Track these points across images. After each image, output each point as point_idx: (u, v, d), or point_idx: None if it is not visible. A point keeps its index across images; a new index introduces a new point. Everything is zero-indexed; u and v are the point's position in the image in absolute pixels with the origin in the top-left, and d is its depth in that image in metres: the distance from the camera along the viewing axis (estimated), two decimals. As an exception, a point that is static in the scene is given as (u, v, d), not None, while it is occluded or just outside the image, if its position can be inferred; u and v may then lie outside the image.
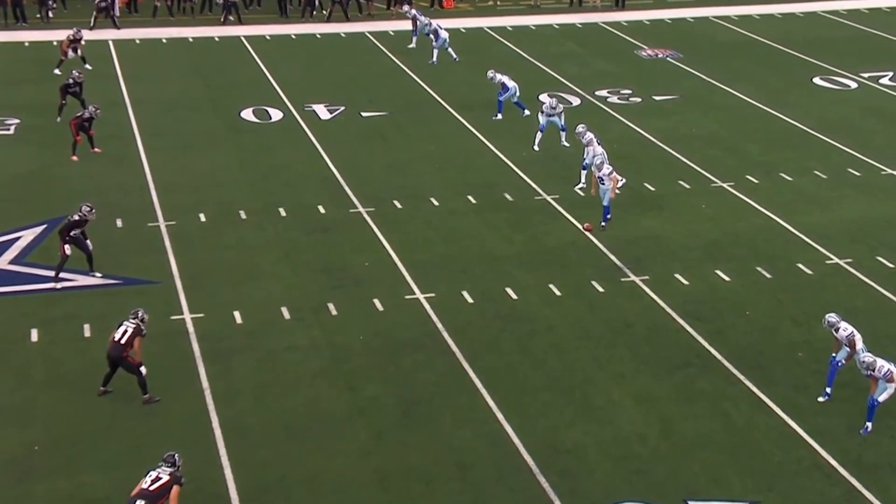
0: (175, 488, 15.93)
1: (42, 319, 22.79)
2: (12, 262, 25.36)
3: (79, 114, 31.37)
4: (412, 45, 43.44)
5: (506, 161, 31.49)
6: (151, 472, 16.04)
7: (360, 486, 17.91)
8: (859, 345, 19.73)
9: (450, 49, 41.49)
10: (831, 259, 26.03)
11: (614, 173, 26.94)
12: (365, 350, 21.95)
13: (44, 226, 26.98)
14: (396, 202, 28.77)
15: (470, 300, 23.90)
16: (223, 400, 20.10)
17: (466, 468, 18.40)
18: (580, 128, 29.23)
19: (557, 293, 24.28)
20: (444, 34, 41.57)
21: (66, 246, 23.80)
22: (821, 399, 20.24)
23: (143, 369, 19.68)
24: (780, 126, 35.34)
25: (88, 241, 24.14)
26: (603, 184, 26.78)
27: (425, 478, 18.12)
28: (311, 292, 24.12)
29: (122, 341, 19.62)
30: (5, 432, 19.15)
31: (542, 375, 21.17)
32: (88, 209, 24.17)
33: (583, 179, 29.07)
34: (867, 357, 19.09)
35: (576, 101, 37.64)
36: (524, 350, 22.05)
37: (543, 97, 35.06)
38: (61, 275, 24.08)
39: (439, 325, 22.84)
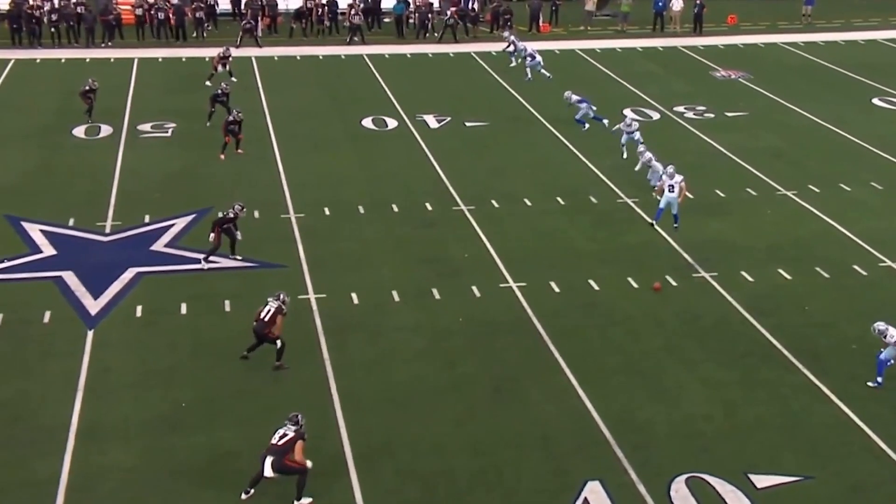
0: (299, 443, 16.15)
1: (190, 295, 23.13)
2: (167, 245, 25.79)
3: (227, 118, 31.79)
4: (513, 65, 43.17)
5: (592, 168, 31.18)
6: (279, 430, 16.26)
7: (455, 451, 17.86)
8: None
9: (542, 70, 41.16)
10: (884, 262, 25.31)
11: (684, 182, 26.47)
12: (462, 331, 21.88)
13: (193, 215, 27.38)
14: (494, 202, 28.63)
15: (556, 290, 23.68)
16: (340, 371, 20.20)
17: (549, 439, 18.24)
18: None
19: (634, 286, 23.94)
20: (538, 57, 41.30)
21: (219, 235, 24.24)
22: (870, 384, 19.68)
23: (279, 342, 19.99)
24: (839, 141, 34.50)
25: (238, 233, 24.56)
26: (672, 191, 26.30)
27: (513, 446, 18.00)
28: (418, 279, 24.11)
29: (266, 319, 19.92)
30: (156, 392, 19.49)
31: (619, 359, 20.90)
32: (240, 208, 24.59)
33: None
34: None
35: (656, 116, 37.16)
36: (603, 336, 21.78)
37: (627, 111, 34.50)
38: (217, 258, 24.54)
39: (529, 312, 22.67)
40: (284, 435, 16.32)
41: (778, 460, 17.75)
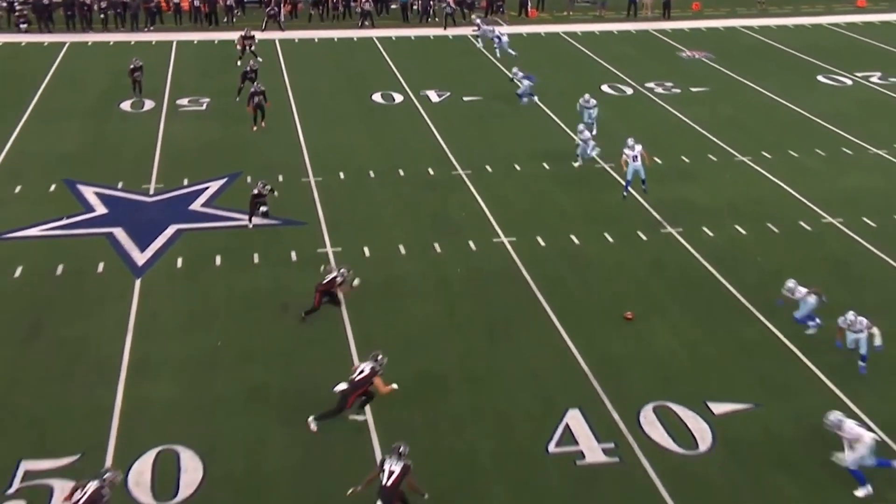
0: (377, 378, 16.13)
1: (223, 249, 23.09)
2: (203, 204, 25.70)
3: (251, 90, 31.51)
4: (479, 46, 42.91)
5: (574, 137, 30.92)
6: (362, 365, 16.45)
7: (456, 383, 17.95)
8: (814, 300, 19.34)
9: (509, 49, 40.98)
10: (826, 219, 25.22)
11: (644, 151, 26.28)
12: (461, 280, 21.86)
13: (226, 178, 27.26)
14: (488, 167, 28.48)
15: (542, 244, 23.62)
16: (354, 314, 20.19)
17: (536, 373, 18.31)
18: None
19: (610, 240, 23.88)
20: (504, 39, 41.21)
21: (253, 207, 24.20)
22: (809, 331, 19.67)
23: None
24: (789, 113, 34.24)
25: (265, 208, 24.28)
26: (636, 161, 26.08)
27: (507, 380, 18.06)
28: (422, 234, 24.05)
29: (327, 282, 19.70)
30: (196, 334, 19.54)
31: (597, 304, 20.91)
32: (262, 185, 24.39)
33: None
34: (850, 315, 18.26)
35: (629, 91, 36.82)
36: (583, 284, 21.77)
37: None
38: (237, 216, 24.47)
39: (518, 263, 22.64)
40: (362, 371, 16.33)
41: (732, 390, 17.82)
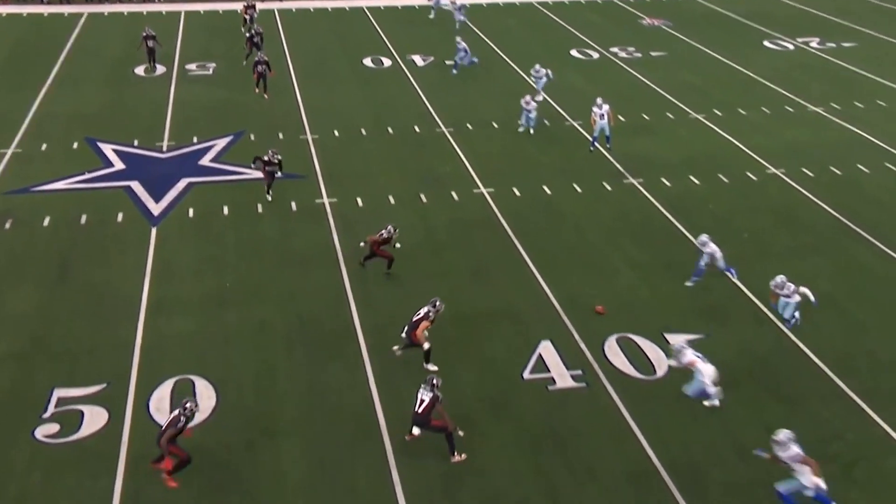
0: (423, 323, 16.05)
1: (230, 200, 22.95)
2: (212, 160, 25.47)
3: (255, 58, 31.05)
4: (431, 17, 42.08)
5: (546, 97, 30.76)
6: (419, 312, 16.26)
7: (443, 321, 17.86)
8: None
9: (466, 20, 40.19)
10: (770, 170, 25.29)
11: (610, 110, 26.13)
12: (445, 228, 21.85)
13: (231, 136, 27.00)
14: (469, 125, 28.30)
15: (518, 194, 23.60)
16: (350, 259, 20.19)
17: (514, 311, 18.41)
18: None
19: (579, 190, 23.88)
20: (461, 15, 40.29)
21: (265, 172, 22.87)
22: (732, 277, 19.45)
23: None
24: (738, 75, 34.08)
25: (279, 174, 23.14)
26: (602, 119, 25.93)
27: (488, 318, 18.15)
28: (409, 187, 23.96)
29: (379, 237, 19.23)
30: (207, 276, 19.50)
31: (567, 248, 20.97)
32: (273, 153, 22.88)
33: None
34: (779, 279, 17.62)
35: (595, 56, 36.51)
36: (555, 230, 21.81)
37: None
38: (242, 170, 24.18)
39: (497, 212, 22.63)
40: (416, 315, 16.10)
41: (686, 323, 18.02)
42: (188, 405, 13.52)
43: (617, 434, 14.88)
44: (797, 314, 17.61)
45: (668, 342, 17.30)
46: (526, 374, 16.39)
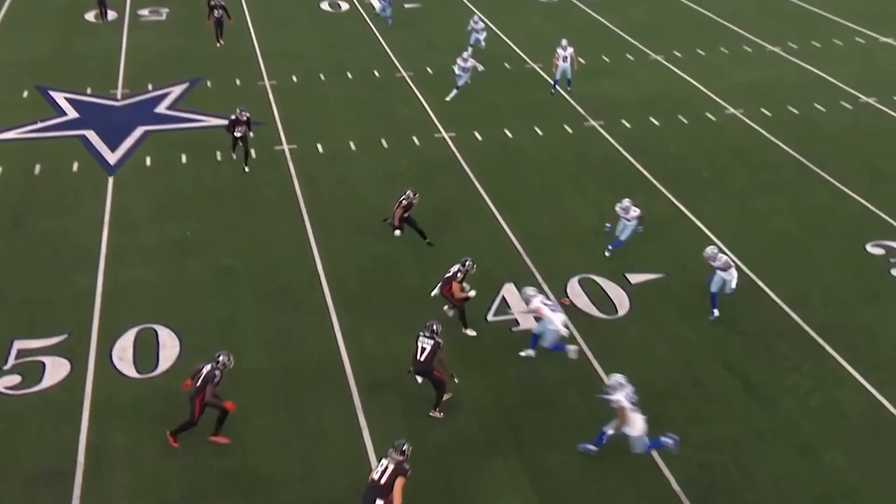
0: (452, 284, 15.44)
1: (188, 148, 22.57)
2: (168, 108, 24.98)
3: (212, 3, 30.23)
4: None
5: (505, 39, 30.48)
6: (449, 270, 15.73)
7: (407, 266, 18.02)
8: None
9: None
10: (729, 110, 25.41)
11: (574, 53, 25.93)
12: (408, 171, 21.72)
13: (187, 83, 26.44)
14: (428, 69, 27.99)
15: (479, 138, 23.48)
16: (312, 205, 20.03)
17: (479, 256, 18.31)
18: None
19: (540, 133, 23.82)
20: None
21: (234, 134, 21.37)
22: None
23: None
24: (697, 16, 34.01)
25: (251, 133, 21.55)
26: (565, 62, 25.75)
27: (449, 260, 17.98)
28: (370, 131, 23.72)
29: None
30: (168, 225, 19.25)
31: (529, 190, 20.98)
32: (240, 111, 21.25)
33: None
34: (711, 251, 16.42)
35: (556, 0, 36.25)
36: (516, 172, 21.79)
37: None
38: (200, 117, 23.69)
39: (458, 156, 22.52)
40: (448, 271, 15.62)
41: (646, 262, 18.18)
42: (221, 358, 13.09)
43: (579, 373, 15.06)
44: (734, 284, 16.16)
45: (629, 282, 17.48)
46: (490, 317, 16.47)
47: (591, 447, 13.15)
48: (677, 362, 15.36)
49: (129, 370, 14.93)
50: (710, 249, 16.34)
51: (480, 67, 25.04)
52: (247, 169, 21.23)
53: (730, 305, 16.73)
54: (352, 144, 22.96)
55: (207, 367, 13.15)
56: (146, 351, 15.37)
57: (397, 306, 16.68)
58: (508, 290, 17.17)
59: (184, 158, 22.03)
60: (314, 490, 12.64)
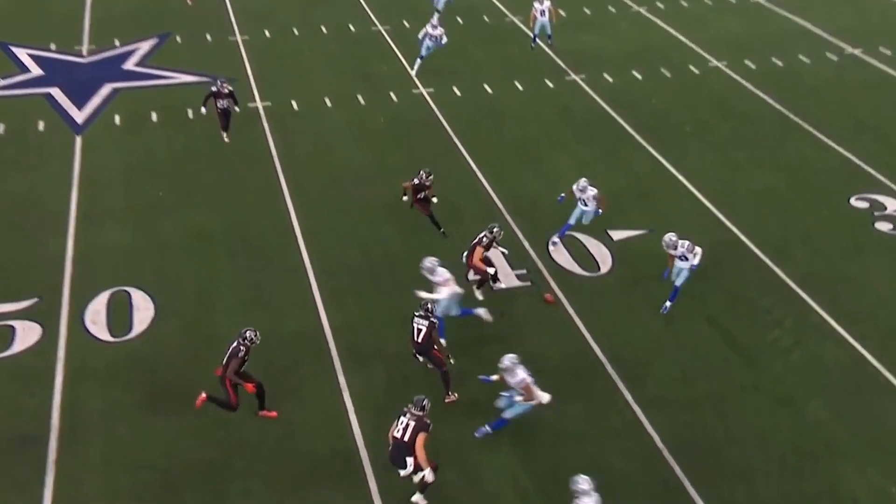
0: (477, 249, 15.07)
1: (158, 106, 22.30)
2: (137, 64, 24.59)
3: None
4: None
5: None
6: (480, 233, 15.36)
7: (383, 221, 17.96)
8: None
9: None
10: (712, 62, 25.35)
11: (552, 7, 25.68)
12: (385, 128, 21.58)
13: (156, 39, 26.02)
14: (405, 22, 27.68)
15: (458, 94, 23.33)
16: (287, 163, 19.89)
17: (459, 210, 18.41)
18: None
19: (520, 88, 23.69)
20: None
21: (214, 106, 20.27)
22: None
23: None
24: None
25: (234, 108, 20.32)
26: (543, 15, 25.46)
27: (429, 220, 18.09)
28: (346, 87, 23.50)
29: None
30: (139, 185, 19.09)
31: (509, 146, 20.92)
32: (221, 83, 19.95)
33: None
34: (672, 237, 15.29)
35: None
36: (497, 128, 21.70)
37: None
38: (170, 74, 23.36)
39: (437, 112, 22.38)
40: (475, 237, 15.25)
41: (628, 218, 18.21)
42: (248, 334, 12.78)
43: (562, 330, 15.15)
44: (695, 264, 15.13)
45: (611, 239, 17.54)
46: (470, 275, 16.48)
47: (489, 429, 12.85)
48: (660, 319, 15.48)
49: (103, 333, 14.87)
50: (669, 237, 15.16)
51: (444, 39, 24.40)
52: (227, 138, 20.40)
53: (713, 261, 16.83)
54: (327, 101, 22.75)
55: (234, 342, 12.78)
56: (120, 314, 15.30)
57: (375, 264, 16.68)
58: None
59: (154, 117, 21.76)
60: (293, 451, 12.70)
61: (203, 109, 20.24)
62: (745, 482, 12.32)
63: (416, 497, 11.88)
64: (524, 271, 16.62)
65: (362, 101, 22.78)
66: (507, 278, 16.36)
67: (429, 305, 13.50)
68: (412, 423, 11.44)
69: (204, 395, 12.83)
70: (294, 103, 22.55)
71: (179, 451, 12.68)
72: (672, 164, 20.08)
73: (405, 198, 17.72)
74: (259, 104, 22.48)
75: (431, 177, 17.16)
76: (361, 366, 14.28)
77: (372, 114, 22.19)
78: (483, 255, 15.29)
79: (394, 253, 16.95)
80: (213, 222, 17.75)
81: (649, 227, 17.92)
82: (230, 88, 20.19)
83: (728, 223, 18.02)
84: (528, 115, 22.37)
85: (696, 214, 18.42)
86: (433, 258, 14.57)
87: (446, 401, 13.61)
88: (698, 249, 15.11)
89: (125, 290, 15.82)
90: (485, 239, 15.35)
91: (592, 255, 17.08)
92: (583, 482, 10.80)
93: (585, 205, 16.75)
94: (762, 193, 19.05)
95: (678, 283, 15.29)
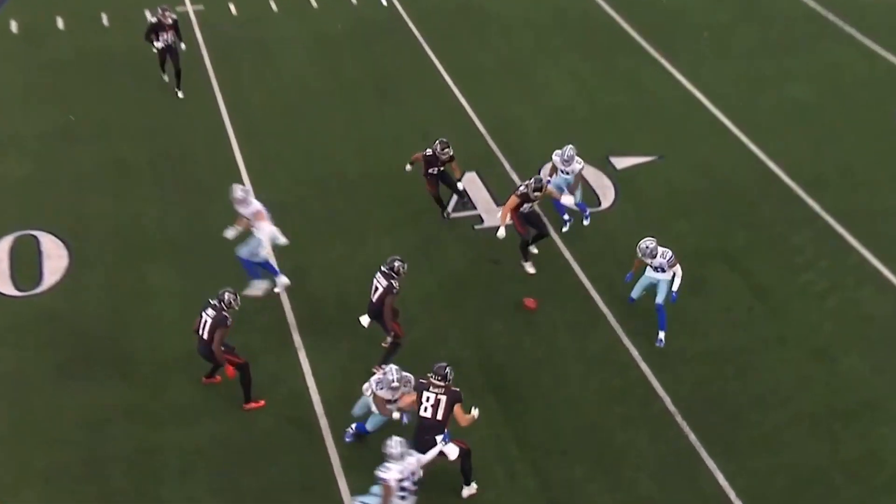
0: (513, 198, 14.59)
1: (65, 9, 21.99)
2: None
3: None
4: None
5: None
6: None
7: (344, 156, 17.85)
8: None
9: None
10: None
11: None
12: (344, 38, 21.33)
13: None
14: None
15: (431, -6, 23.10)
16: (224, 77, 19.68)
17: (430, 135, 18.20)
18: None
19: (505, -12, 23.48)
20: None
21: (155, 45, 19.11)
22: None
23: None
24: None
25: (182, 44, 19.49)
26: None
27: (399, 143, 18.04)
28: (296, -13, 23.18)
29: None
30: (45, 107, 18.88)
31: (492, 57, 20.78)
32: (163, 11, 18.65)
33: None
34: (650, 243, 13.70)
35: None
36: (477, 35, 21.52)
37: None
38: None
39: (405, 16, 22.12)
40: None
41: (634, 143, 18.20)
42: (227, 297, 12.41)
43: (557, 278, 15.17)
44: (675, 290, 13.66)
45: (615, 167, 17.52)
46: (450, 209, 16.47)
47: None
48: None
49: (6, 286, 14.76)
50: (646, 243, 13.58)
51: None
52: (180, 94, 19.27)
53: (734, 191, 16.89)
54: (272, 4, 22.43)
55: (211, 312, 12.41)
56: (26, 262, 15.17)
57: (329, 197, 16.64)
58: (470, 180, 17.16)
59: (60, 23, 21.40)
60: (242, 421, 12.70)
61: (155, 47, 18.83)
62: (770, 449, 12.49)
63: (467, 490, 11.65)
64: (511, 207, 16.52)
65: (315, 4, 22.49)
66: (491, 216, 16.32)
67: (396, 263, 13.05)
68: (442, 398, 11.07)
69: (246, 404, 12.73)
70: (232, 6, 22.26)
71: (105, 424, 12.66)
72: (685, 77, 20.03)
73: (409, 167, 16.22)
74: (189, 7, 22.17)
75: (449, 150, 15.70)
76: (317, 317, 14.28)
77: (327, 19, 21.94)
78: (518, 206, 14.70)
79: (354, 184, 16.87)
80: (137, 152, 17.58)
81: (659, 153, 17.90)
82: (174, 18, 18.71)
83: (752, 146, 18.05)
84: (515, 20, 22.15)
85: (714, 137, 18.43)
86: (245, 186, 14.29)
87: (374, 368, 13.05)
88: (679, 270, 13.59)
89: (31, 234, 15.67)
90: (522, 188, 14.76)
91: (591, 187, 17.07)
92: (395, 445, 10.46)
93: (567, 174, 15.63)
94: (793, 109, 19.06)
95: (659, 299, 13.71)
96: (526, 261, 15.26)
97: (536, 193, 14.70)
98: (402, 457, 10.48)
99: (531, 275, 15.10)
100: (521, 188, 14.73)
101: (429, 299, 14.66)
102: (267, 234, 14.13)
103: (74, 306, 14.43)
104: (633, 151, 17.96)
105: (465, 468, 11.50)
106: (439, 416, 11.06)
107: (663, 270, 13.69)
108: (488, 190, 16.97)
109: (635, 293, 14.21)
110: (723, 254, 15.68)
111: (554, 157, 15.69)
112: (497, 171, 17.40)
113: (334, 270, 15.12)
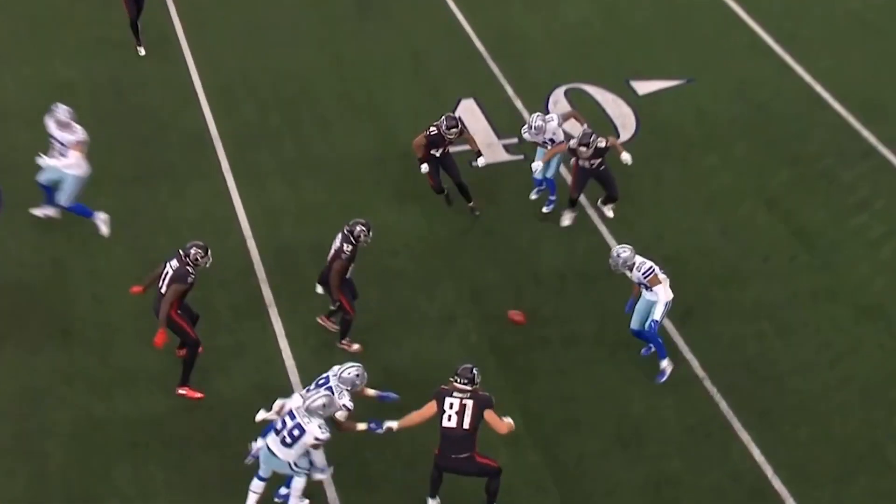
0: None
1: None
2: None
3: None
4: None
5: None
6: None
7: (319, 78, 17.72)
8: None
9: None
10: None
11: None
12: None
13: None
14: None
15: None
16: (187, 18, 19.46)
17: (421, 56, 18.18)
18: None
19: None
20: None
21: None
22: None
23: None
24: None
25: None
26: None
27: (386, 65, 17.98)
28: None
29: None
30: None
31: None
32: None
33: None
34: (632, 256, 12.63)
35: None
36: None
37: None
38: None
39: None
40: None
41: (657, 64, 18.10)
42: (192, 252, 11.98)
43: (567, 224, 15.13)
44: (657, 318, 12.43)
45: (635, 93, 17.40)
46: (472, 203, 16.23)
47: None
48: (699, 202, 15.54)
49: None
50: (619, 251, 12.54)
51: None
52: (142, 51, 18.39)
53: (775, 119, 16.75)
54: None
55: (175, 264, 12.05)
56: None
57: (304, 133, 16.55)
58: (468, 108, 17.07)
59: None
60: (205, 387, 12.68)
61: None
62: (813, 419, 12.51)
63: None
64: (514, 140, 16.46)
65: None
66: (492, 150, 16.22)
67: (357, 228, 12.65)
68: (469, 403, 10.69)
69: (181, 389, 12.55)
70: None
71: (41, 393, 12.63)
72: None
73: (424, 167, 15.01)
74: None
75: (456, 128, 14.67)
76: (285, 268, 14.24)
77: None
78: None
79: (329, 113, 16.81)
80: (76, 73, 17.58)
81: (688, 76, 17.78)
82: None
83: (796, 66, 18.00)
84: None
85: (751, 55, 18.39)
86: (66, 107, 14.02)
87: (339, 344, 13.22)
88: (662, 293, 12.40)
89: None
90: (573, 143, 14.38)
91: (609, 116, 16.98)
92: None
93: (545, 145, 14.94)
94: (845, 24, 18.95)
95: (656, 317, 12.43)
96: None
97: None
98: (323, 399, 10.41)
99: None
100: (575, 142, 14.35)
101: (418, 244, 14.59)
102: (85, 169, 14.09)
103: (3, 255, 14.32)
104: (657, 74, 17.93)
105: (490, 489, 11.14)
106: (466, 425, 10.67)
107: (648, 289, 12.45)
108: (488, 119, 16.89)
109: (634, 324, 12.83)
110: (761, 193, 15.67)
111: (524, 134, 15.03)
112: (499, 97, 17.31)
113: (309, 215, 15.03)
